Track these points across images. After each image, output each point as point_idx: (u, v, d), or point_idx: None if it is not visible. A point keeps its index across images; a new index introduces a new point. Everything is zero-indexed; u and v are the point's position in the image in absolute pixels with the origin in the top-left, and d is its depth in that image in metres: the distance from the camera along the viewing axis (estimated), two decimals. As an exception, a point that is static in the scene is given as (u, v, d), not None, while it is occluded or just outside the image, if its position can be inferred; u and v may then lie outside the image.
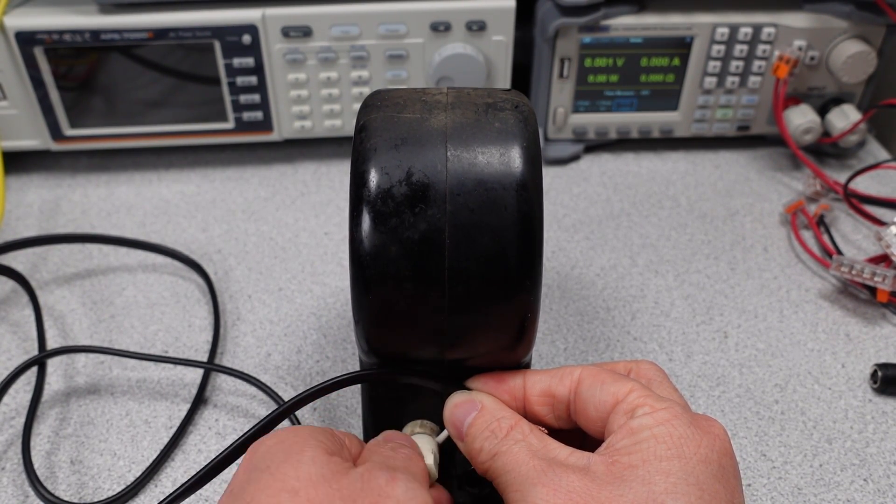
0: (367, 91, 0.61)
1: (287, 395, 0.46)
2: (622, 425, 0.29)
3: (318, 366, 0.48)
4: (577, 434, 0.33)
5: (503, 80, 0.63)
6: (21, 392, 0.46)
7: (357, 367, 0.47)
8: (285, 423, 0.38)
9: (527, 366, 0.36)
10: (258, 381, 0.46)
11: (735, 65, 0.62)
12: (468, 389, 0.34)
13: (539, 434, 0.31)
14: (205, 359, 0.48)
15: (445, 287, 0.31)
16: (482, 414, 0.32)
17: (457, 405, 0.33)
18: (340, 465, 0.28)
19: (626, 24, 0.60)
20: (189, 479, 0.32)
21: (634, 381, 0.31)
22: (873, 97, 0.66)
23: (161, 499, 0.32)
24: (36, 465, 0.41)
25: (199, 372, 0.48)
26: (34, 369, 0.47)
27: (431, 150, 0.31)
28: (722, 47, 0.61)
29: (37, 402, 0.45)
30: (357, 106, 0.63)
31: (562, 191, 0.64)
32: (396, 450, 0.31)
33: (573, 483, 0.28)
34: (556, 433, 0.32)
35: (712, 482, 0.27)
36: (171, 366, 0.48)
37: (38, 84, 0.58)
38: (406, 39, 0.60)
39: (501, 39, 0.60)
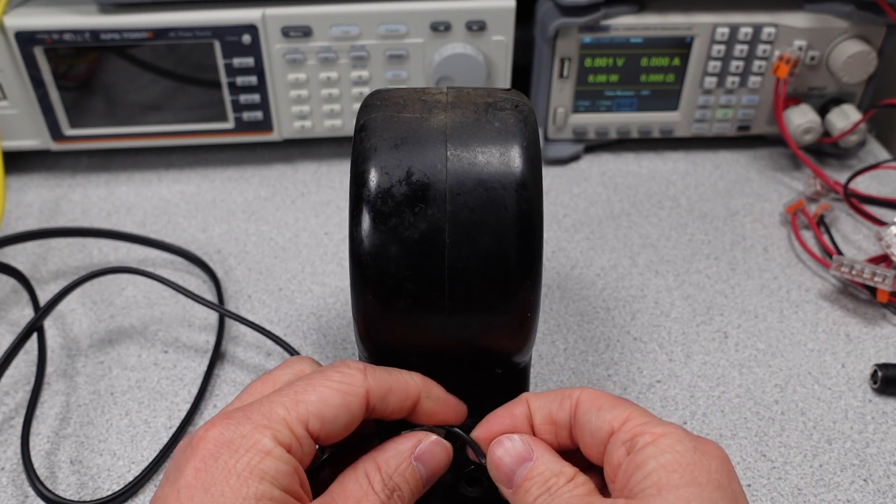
0: (367, 91, 0.61)
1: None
2: (627, 460, 0.29)
3: (318, 366, 0.48)
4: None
5: (503, 79, 0.63)
6: (21, 392, 0.46)
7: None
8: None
9: (526, 366, 0.36)
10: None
11: (735, 65, 0.62)
12: (458, 431, 0.33)
13: (587, 485, 0.30)
14: (205, 359, 0.49)
15: (445, 287, 0.31)
16: (538, 466, 0.31)
17: (507, 452, 0.32)
18: None
19: (627, 24, 0.60)
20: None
21: (632, 406, 0.31)
22: (873, 97, 0.66)
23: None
24: (35, 465, 0.41)
25: (200, 372, 0.48)
26: (33, 370, 0.47)
27: (431, 149, 0.31)
28: (722, 47, 0.61)
29: (35, 400, 0.45)
30: (357, 106, 0.62)
31: (562, 191, 0.64)
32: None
33: None
34: (567, 454, 0.32)
35: None
36: (170, 366, 0.48)
37: (38, 84, 0.58)
38: (406, 39, 0.60)
39: (501, 39, 0.60)
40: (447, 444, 0.33)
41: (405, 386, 0.32)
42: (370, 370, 0.31)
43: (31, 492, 0.40)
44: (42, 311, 0.46)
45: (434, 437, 0.32)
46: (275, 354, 0.49)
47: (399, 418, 0.32)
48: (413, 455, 0.31)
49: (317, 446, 0.30)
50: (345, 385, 0.30)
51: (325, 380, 0.30)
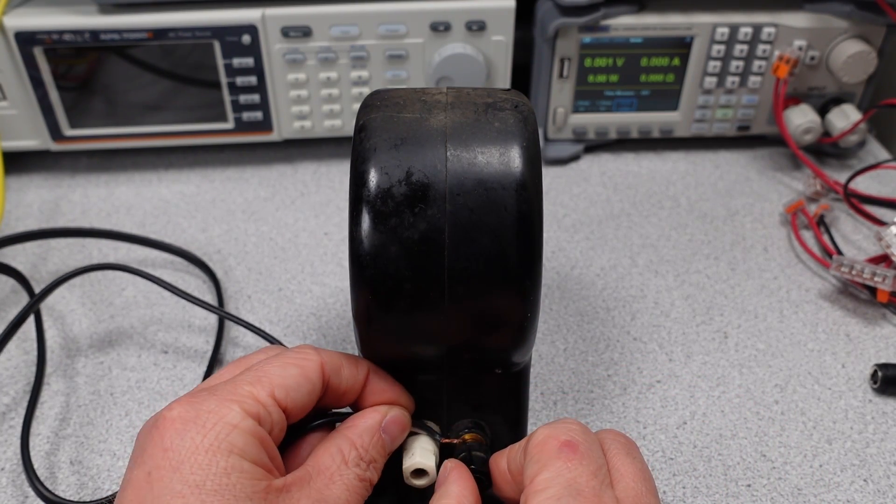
0: (366, 91, 0.61)
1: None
2: None
3: (318, 366, 0.48)
4: None
5: (503, 80, 0.63)
6: (21, 392, 0.46)
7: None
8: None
9: (526, 366, 0.36)
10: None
11: (735, 65, 0.62)
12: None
13: None
14: (205, 359, 0.49)
15: (445, 287, 0.31)
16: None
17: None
18: (254, 486, 0.28)
19: (626, 23, 0.60)
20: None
21: (554, 458, 0.30)
22: (873, 97, 0.66)
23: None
24: (35, 466, 0.41)
25: (199, 372, 0.48)
26: (33, 370, 0.47)
27: (431, 149, 0.31)
28: (722, 47, 0.61)
29: (35, 401, 0.45)
30: (357, 106, 0.62)
31: (562, 191, 0.64)
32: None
33: None
34: None
35: None
36: (170, 366, 0.48)
37: (37, 84, 0.58)
38: (406, 39, 0.60)
39: (501, 39, 0.60)
40: (406, 413, 0.35)
41: (355, 362, 0.34)
42: (321, 349, 0.34)
43: (31, 492, 0.40)
44: (38, 297, 0.45)
45: (397, 408, 0.34)
46: (275, 355, 0.49)
47: (352, 400, 0.34)
48: (382, 427, 0.33)
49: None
50: (300, 358, 0.32)
51: (282, 358, 0.32)
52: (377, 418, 0.33)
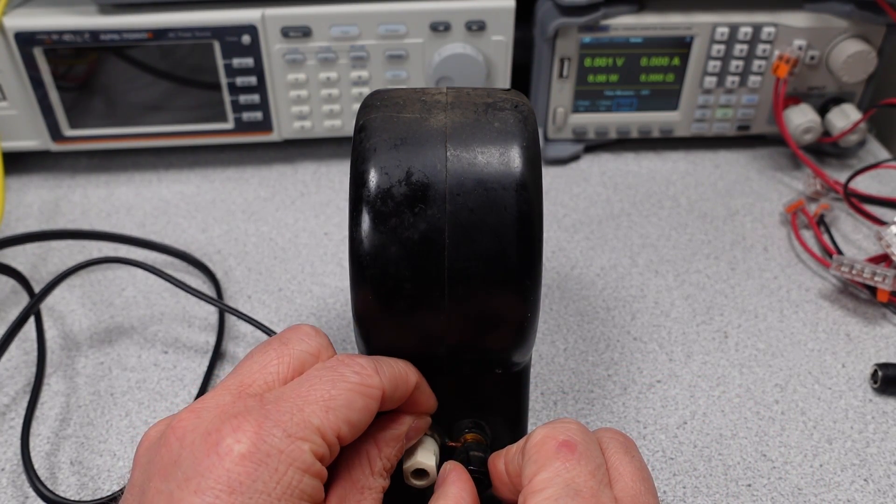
0: (366, 91, 0.61)
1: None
2: None
3: (318, 366, 0.48)
4: None
5: (503, 79, 0.63)
6: (21, 393, 0.46)
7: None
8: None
9: (527, 366, 0.36)
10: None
11: (735, 64, 0.62)
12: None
13: None
14: (205, 359, 0.49)
15: (445, 287, 0.31)
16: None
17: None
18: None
19: (626, 23, 0.60)
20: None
21: (552, 458, 0.30)
22: (873, 96, 0.66)
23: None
24: (35, 466, 0.41)
25: (200, 372, 0.48)
26: (33, 370, 0.47)
27: (431, 149, 0.31)
28: (722, 47, 0.61)
29: (35, 401, 0.45)
30: (357, 106, 0.62)
31: (562, 191, 0.64)
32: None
33: None
34: None
35: None
36: (170, 366, 0.48)
37: (37, 84, 0.58)
38: (406, 39, 0.60)
39: (501, 39, 0.60)
40: (428, 419, 0.35)
41: (406, 379, 0.32)
42: (380, 367, 0.31)
43: (31, 493, 0.40)
44: (39, 295, 0.45)
45: (424, 417, 0.34)
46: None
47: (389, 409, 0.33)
48: (405, 435, 0.33)
49: None
50: (365, 387, 0.30)
51: (346, 381, 0.30)
52: (403, 429, 0.33)
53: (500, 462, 0.34)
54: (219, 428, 0.27)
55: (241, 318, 0.47)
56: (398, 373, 0.32)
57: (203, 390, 0.46)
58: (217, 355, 0.48)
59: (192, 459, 0.26)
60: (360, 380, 0.30)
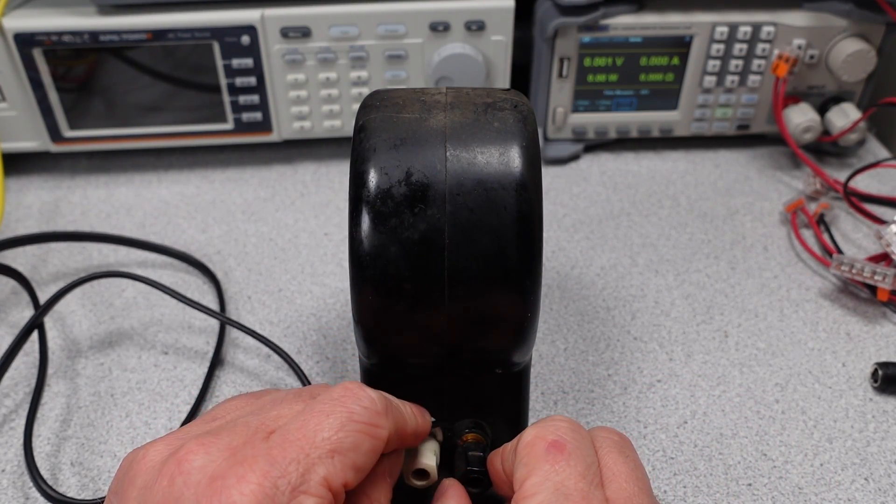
0: (366, 91, 0.61)
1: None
2: None
3: (318, 367, 0.48)
4: None
5: (502, 79, 0.63)
6: (21, 394, 0.46)
7: (357, 368, 0.47)
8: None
9: (527, 366, 0.36)
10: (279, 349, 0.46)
11: (734, 64, 0.62)
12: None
13: None
14: (206, 360, 0.48)
15: (445, 287, 0.31)
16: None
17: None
18: None
19: (626, 23, 0.60)
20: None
21: (542, 460, 0.30)
22: (873, 95, 0.66)
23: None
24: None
25: (200, 373, 0.48)
26: (34, 371, 0.47)
27: (431, 150, 0.31)
28: (721, 46, 0.61)
29: (37, 402, 0.45)
30: (356, 106, 0.62)
31: (562, 191, 0.64)
32: None
33: None
34: None
35: None
36: (171, 367, 0.48)
37: (37, 85, 0.58)
38: (405, 40, 0.60)
39: (501, 39, 0.60)
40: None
41: (405, 423, 0.32)
42: (389, 407, 0.30)
43: (32, 494, 0.40)
44: (41, 310, 0.46)
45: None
46: (274, 357, 0.49)
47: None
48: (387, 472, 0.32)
49: None
50: (372, 427, 0.29)
51: (354, 421, 0.29)
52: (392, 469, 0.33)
53: (498, 461, 0.34)
54: (224, 474, 0.26)
55: (243, 332, 0.47)
56: (402, 416, 0.32)
57: (203, 391, 0.46)
58: (217, 358, 0.48)
59: (189, 498, 0.26)
60: (368, 418, 0.29)
